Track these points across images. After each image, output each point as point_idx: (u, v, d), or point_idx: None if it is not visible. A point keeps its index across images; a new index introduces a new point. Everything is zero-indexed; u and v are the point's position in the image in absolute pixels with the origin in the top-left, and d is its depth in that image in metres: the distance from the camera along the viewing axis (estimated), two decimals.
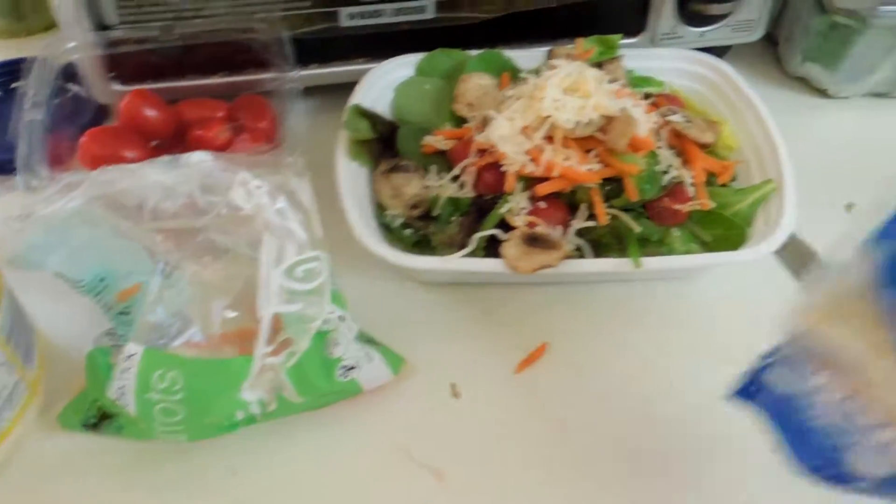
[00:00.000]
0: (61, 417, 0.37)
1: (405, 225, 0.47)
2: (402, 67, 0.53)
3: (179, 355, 0.33)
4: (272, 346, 0.34)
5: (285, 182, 0.34)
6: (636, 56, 0.53)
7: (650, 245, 0.45)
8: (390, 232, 0.47)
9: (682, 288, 0.48)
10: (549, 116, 0.41)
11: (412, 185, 0.47)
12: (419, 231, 0.46)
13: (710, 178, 0.47)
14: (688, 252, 0.45)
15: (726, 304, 0.47)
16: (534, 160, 0.42)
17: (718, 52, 0.60)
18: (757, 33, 0.57)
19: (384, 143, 0.50)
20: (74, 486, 0.38)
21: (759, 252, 0.43)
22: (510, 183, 0.43)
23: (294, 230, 0.33)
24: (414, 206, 0.47)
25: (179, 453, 0.38)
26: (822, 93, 0.60)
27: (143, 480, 0.38)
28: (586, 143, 0.43)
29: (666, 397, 0.43)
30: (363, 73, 0.52)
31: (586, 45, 0.51)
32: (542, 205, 0.43)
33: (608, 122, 0.42)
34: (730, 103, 0.52)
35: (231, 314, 0.34)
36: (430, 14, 0.52)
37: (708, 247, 0.46)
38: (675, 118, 0.46)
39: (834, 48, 0.56)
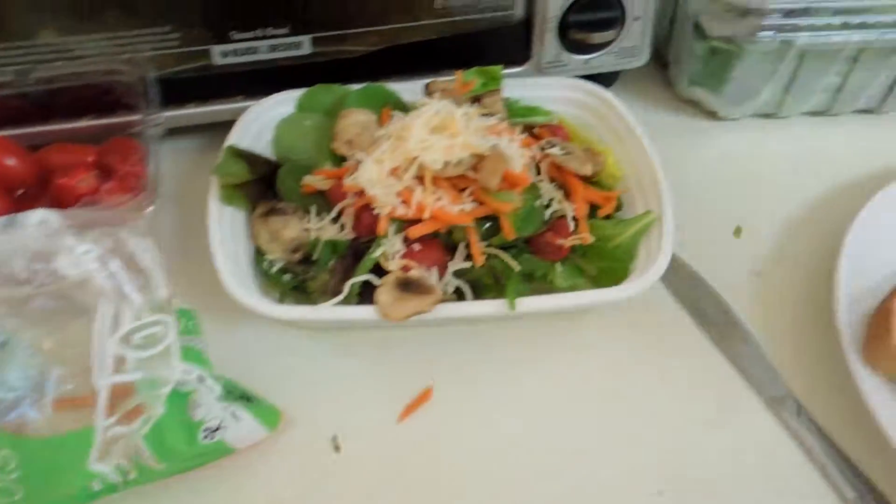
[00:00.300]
0: None
1: (284, 270, 0.45)
2: (283, 104, 0.51)
3: (9, 433, 0.31)
4: (115, 415, 0.32)
5: (122, 243, 0.32)
6: (523, 85, 0.53)
7: (535, 281, 0.45)
8: (268, 277, 0.45)
9: (566, 323, 0.48)
10: (417, 158, 0.41)
11: (290, 228, 0.46)
12: (298, 276, 0.45)
13: (593, 211, 0.47)
14: (573, 286, 0.45)
15: (614, 338, 0.47)
16: (405, 202, 0.41)
17: (609, 78, 0.61)
18: (641, 59, 0.57)
19: (264, 184, 0.48)
20: None
21: (638, 287, 0.42)
22: (382, 226, 0.42)
23: (130, 295, 0.31)
24: (294, 250, 0.46)
25: None
26: (713, 115, 0.61)
27: None
28: (460, 181, 0.42)
29: (553, 442, 0.42)
30: (242, 111, 0.50)
31: (467, 77, 0.50)
32: (417, 247, 0.42)
33: (479, 160, 0.41)
34: (614, 131, 0.52)
35: (68, 386, 0.32)
36: (306, 50, 0.50)
37: (594, 280, 0.46)
38: (553, 151, 0.46)
39: (716, 72, 0.57)
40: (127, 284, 0.31)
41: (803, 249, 0.52)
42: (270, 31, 0.49)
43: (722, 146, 0.60)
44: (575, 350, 0.46)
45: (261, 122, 0.50)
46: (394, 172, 0.42)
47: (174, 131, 0.53)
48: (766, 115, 0.61)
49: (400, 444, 0.42)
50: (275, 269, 0.45)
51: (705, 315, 0.48)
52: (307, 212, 0.46)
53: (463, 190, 0.42)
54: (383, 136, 0.44)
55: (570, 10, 0.52)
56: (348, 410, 0.43)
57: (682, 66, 0.59)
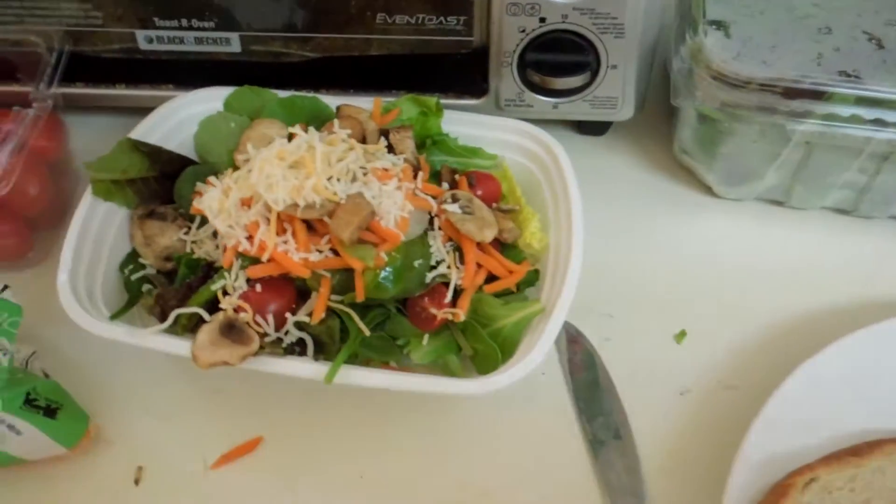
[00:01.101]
0: None
1: (143, 280, 0.43)
2: (212, 100, 0.48)
3: None
4: None
5: None
6: (468, 122, 0.47)
7: (396, 349, 0.40)
8: (128, 284, 0.43)
9: (430, 400, 0.42)
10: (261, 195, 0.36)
11: (166, 236, 0.43)
12: (154, 289, 0.42)
13: (491, 280, 0.41)
14: (439, 360, 0.40)
15: (478, 426, 0.41)
16: (250, 238, 0.37)
17: (598, 126, 0.53)
18: (624, 113, 0.49)
19: (169, 181, 0.46)
20: None
21: (487, 385, 0.36)
22: (227, 259, 0.38)
23: None
24: (167, 259, 0.43)
25: None
26: (710, 190, 0.52)
27: None
28: (321, 226, 0.38)
29: None
30: (166, 99, 0.48)
31: (395, 104, 0.45)
32: (258, 288, 0.38)
33: (336, 206, 0.37)
34: (553, 191, 0.45)
35: None
36: (236, 48, 0.47)
37: (472, 360, 0.40)
38: (451, 207, 0.40)
39: (706, 143, 0.48)
40: None
41: (749, 378, 0.43)
42: (195, 22, 0.46)
43: (710, 228, 0.51)
44: (430, 433, 0.41)
45: (182, 115, 0.48)
46: (245, 203, 0.38)
47: (106, 109, 0.51)
48: (776, 203, 0.52)
49: (205, 494, 0.38)
50: (135, 276, 0.43)
51: (595, 427, 0.41)
52: (191, 221, 0.43)
53: (323, 236, 0.38)
54: (245, 160, 0.40)
55: (528, 47, 0.45)
56: (166, 440, 0.40)
57: (676, 129, 0.51)
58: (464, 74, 0.48)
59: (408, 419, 0.41)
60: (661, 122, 0.55)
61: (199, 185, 0.43)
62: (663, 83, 0.52)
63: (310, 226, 0.38)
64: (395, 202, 0.38)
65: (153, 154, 0.46)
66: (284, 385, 0.42)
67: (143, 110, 0.50)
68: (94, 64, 0.48)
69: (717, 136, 0.46)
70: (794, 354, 0.40)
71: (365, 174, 0.39)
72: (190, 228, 0.43)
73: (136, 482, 0.39)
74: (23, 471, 0.38)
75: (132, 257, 0.44)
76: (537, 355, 0.37)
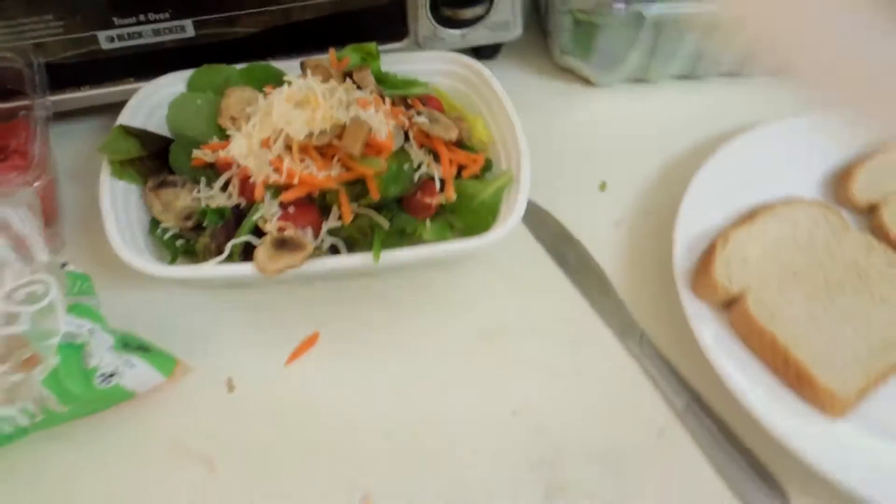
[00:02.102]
0: None
1: (177, 236, 0.49)
2: (174, 84, 0.55)
3: None
4: (9, 364, 0.36)
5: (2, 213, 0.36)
6: (402, 60, 0.58)
7: (407, 237, 0.50)
8: (163, 244, 0.49)
9: (443, 275, 0.53)
10: (282, 130, 0.45)
11: (181, 199, 0.50)
12: (190, 242, 0.49)
13: (461, 171, 0.52)
14: (442, 240, 0.50)
15: (486, 285, 0.52)
16: (277, 170, 0.46)
17: (490, 50, 0.65)
18: (515, 32, 0.62)
19: (159, 158, 0.52)
20: None
21: (495, 237, 0.47)
22: (258, 192, 0.46)
23: (7, 258, 0.35)
24: (186, 218, 0.50)
25: None
26: (587, 81, 0.67)
27: None
28: (328, 150, 0.47)
29: (426, 377, 0.47)
30: (134, 91, 0.54)
31: (343, 54, 0.55)
32: (292, 210, 0.46)
33: (342, 130, 0.46)
34: (485, 100, 0.57)
35: None
36: (190, 33, 0.54)
37: (462, 233, 0.51)
38: (419, 119, 0.50)
39: (583, 42, 0.62)
40: (4, 248, 0.35)
41: (659, 202, 0.57)
42: (152, 15, 0.52)
43: (596, 109, 0.65)
44: (450, 297, 0.52)
45: (153, 102, 0.54)
46: (265, 144, 0.46)
47: (71, 113, 0.56)
48: (637, 81, 0.67)
49: (288, 384, 0.46)
50: (167, 235, 0.49)
51: (567, 261, 0.54)
52: (197, 183, 0.50)
53: (332, 157, 0.47)
54: (252, 111, 0.48)
55: None
56: (241, 356, 0.47)
57: (554, 37, 0.64)
58: (385, 22, 0.59)
59: (424, 289, 0.52)
60: (536, 39, 0.69)
61: (196, 152, 0.51)
62: (533, 5, 0.66)
63: (320, 152, 0.47)
64: (381, 121, 0.48)
65: (141, 136, 0.52)
66: (320, 288, 0.51)
67: (106, 108, 0.56)
68: (59, 71, 0.52)
69: (591, 32, 0.60)
70: (682, 178, 0.55)
71: (349, 105, 0.48)
72: (197, 188, 0.50)
73: (231, 389, 0.46)
74: (133, 405, 0.44)
75: (154, 224, 0.50)
76: (519, 210, 0.48)
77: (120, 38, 0.53)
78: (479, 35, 0.61)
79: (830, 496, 0.42)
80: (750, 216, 0.51)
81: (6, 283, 0.35)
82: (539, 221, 0.56)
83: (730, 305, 0.48)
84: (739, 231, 0.50)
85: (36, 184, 0.43)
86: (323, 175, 0.46)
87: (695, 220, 0.52)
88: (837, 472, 0.41)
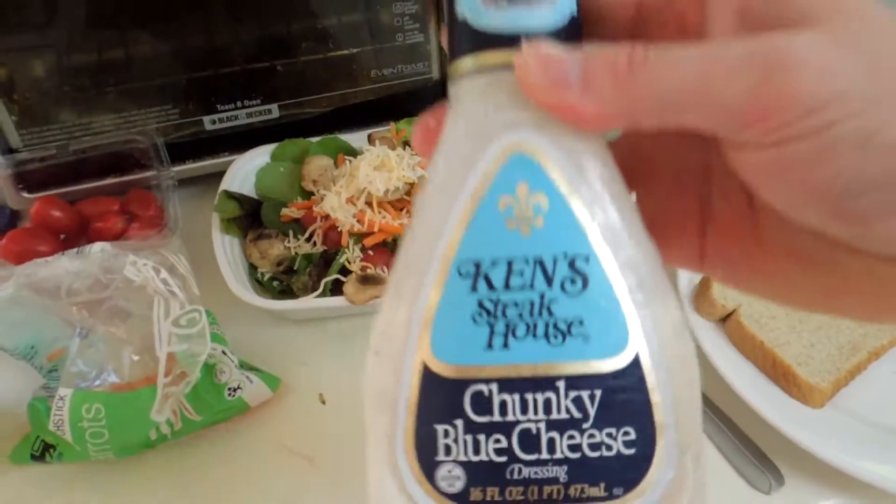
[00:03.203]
0: (13, 455, 0.48)
1: (273, 279, 0.60)
2: (260, 156, 0.67)
3: (100, 392, 0.45)
4: (170, 377, 0.46)
5: (165, 258, 0.47)
6: None
7: None
8: (262, 286, 0.60)
9: None
10: (365, 188, 0.57)
11: (275, 248, 0.61)
12: (284, 282, 0.60)
13: None
14: None
15: None
16: (359, 221, 0.57)
17: None
18: None
19: (251, 216, 0.64)
20: None
21: None
22: (345, 239, 0.58)
23: (176, 292, 0.46)
24: (279, 264, 0.61)
25: (110, 470, 0.50)
26: None
27: (83, 496, 0.50)
28: (399, 203, 0.59)
29: None
30: (229, 163, 0.66)
31: (400, 126, 0.67)
32: (371, 253, 0.58)
33: (411, 187, 0.58)
34: None
35: (136, 357, 0.46)
36: (275, 115, 0.66)
37: None
38: None
39: None
40: (172, 285, 0.46)
41: None
42: (246, 102, 0.65)
43: None
44: None
45: (244, 171, 0.66)
46: (349, 200, 0.58)
47: (178, 182, 0.68)
48: None
49: None
50: (265, 278, 0.60)
51: None
52: (286, 235, 0.62)
53: (402, 209, 0.59)
54: (340, 174, 0.60)
55: None
56: (330, 375, 0.58)
57: None
58: (429, 100, 0.71)
59: None
60: None
61: (285, 210, 0.62)
62: None
63: (392, 206, 0.59)
64: None
65: (239, 199, 0.63)
66: None
67: (204, 178, 0.68)
68: (171, 148, 0.64)
69: None
70: None
71: (413, 168, 0.60)
72: (287, 240, 0.62)
73: (323, 402, 0.56)
74: (246, 417, 0.54)
75: (252, 270, 0.61)
76: None
77: (220, 120, 0.65)
78: None
79: (816, 471, 0.52)
80: None
81: (174, 311, 0.46)
82: None
83: (725, 319, 0.59)
84: None
85: (172, 238, 0.54)
86: (397, 223, 0.57)
87: None
88: (820, 450, 0.51)
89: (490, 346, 0.21)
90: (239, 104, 0.64)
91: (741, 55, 0.19)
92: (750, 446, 0.54)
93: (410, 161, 0.60)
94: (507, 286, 0.21)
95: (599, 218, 0.21)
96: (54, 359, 0.49)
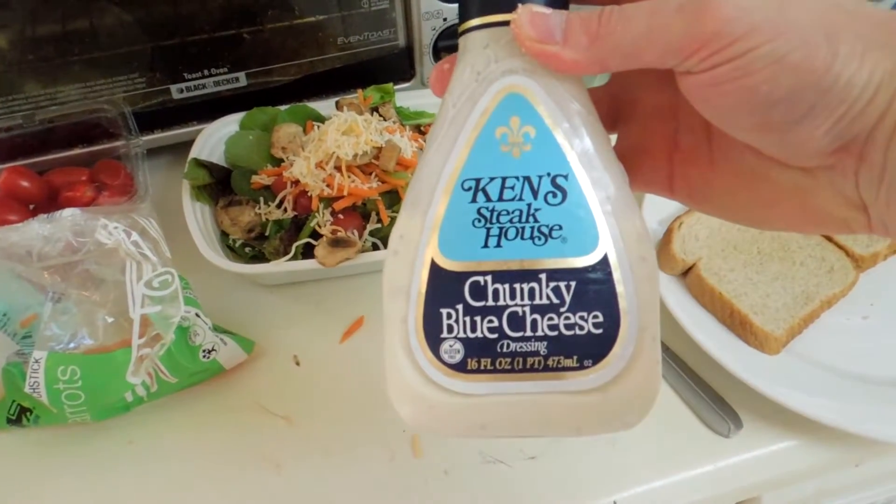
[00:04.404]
0: None
1: (244, 245, 0.61)
2: (229, 125, 0.67)
3: (75, 354, 0.46)
4: (144, 339, 0.47)
5: (136, 222, 0.47)
6: (411, 96, 0.71)
7: None
8: (234, 252, 0.61)
9: None
10: (334, 153, 0.57)
11: (246, 215, 0.62)
12: (255, 248, 0.61)
13: None
14: None
15: None
16: (329, 185, 0.58)
17: None
18: None
19: (221, 184, 0.64)
20: (6, 474, 0.50)
21: None
22: (315, 203, 0.58)
23: (148, 254, 0.47)
24: (250, 230, 0.62)
25: (87, 433, 0.51)
26: None
27: (58, 461, 0.50)
28: (368, 168, 0.59)
29: None
30: (198, 132, 0.66)
31: (367, 93, 0.68)
32: (341, 216, 0.59)
33: (379, 150, 0.59)
34: None
35: (110, 320, 0.47)
36: (243, 83, 0.67)
37: None
38: None
39: None
40: (144, 248, 0.47)
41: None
42: (214, 70, 0.65)
43: None
44: None
45: (213, 140, 0.66)
46: (319, 165, 0.59)
47: (147, 152, 0.68)
48: None
49: (343, 358, 0.58)
50: (237, 244, 0.61)
51: None
52: (257, 202, 0.62)
53: (370, 174, 0.60)
54: (308, 140, 0.61)
55: (438, 38, 0.69)
56: (303, 338, 0.59)
57: None
58: (396, 67, 0.72)
59: None
60: None
61: (255, 177, 0.63)
62: None
63: (361, 170, 0.59)
64: (406, 143, 0.61)
65: (209, 167, 0.64)
66: (361, 282, 0.63)
67: (172, 147, 0.68)
68: (138, 118, 0.64)
69: None
70: None
71: (381, 132, 0.61)
72: (258, 206, 0.62)
73: (297, 363, 0.58)
74: (222, 379, 0.55)
75: (224, 237, 0.62)
76: None
77: (188, 88, 0.65)
78: None
79: (773, 415, 0.54)
80: None
81: (147, 274, 0.46)
82: None
83: (686, 274, 0.61)
84: (691, 216, 0.63)
85: (142, 205, 0.55)
86: (366, 187, 0.58)
87: (655, 210, 0.65)
88: (776, 394, 0.53)
89: (486, 245, 0.27)
90: (206, 73, 0.65)
91: (677, 5, 0.24)
92: (710, 392, 0.56)
93: (378, 126, 0.61)
94: (500, 198, 0.27)
95: (577, 145, 0.27)
96: (27, 325, 0.49)
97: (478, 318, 0.27)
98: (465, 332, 0.27)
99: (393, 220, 0.60)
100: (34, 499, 0.49)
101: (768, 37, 0.23)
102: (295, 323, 0.60)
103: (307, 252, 0.58)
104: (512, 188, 0.27)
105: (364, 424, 0.54)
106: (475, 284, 0.27)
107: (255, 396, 0.55)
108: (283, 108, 0.67)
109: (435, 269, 0.27)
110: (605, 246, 0.27)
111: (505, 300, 0.27)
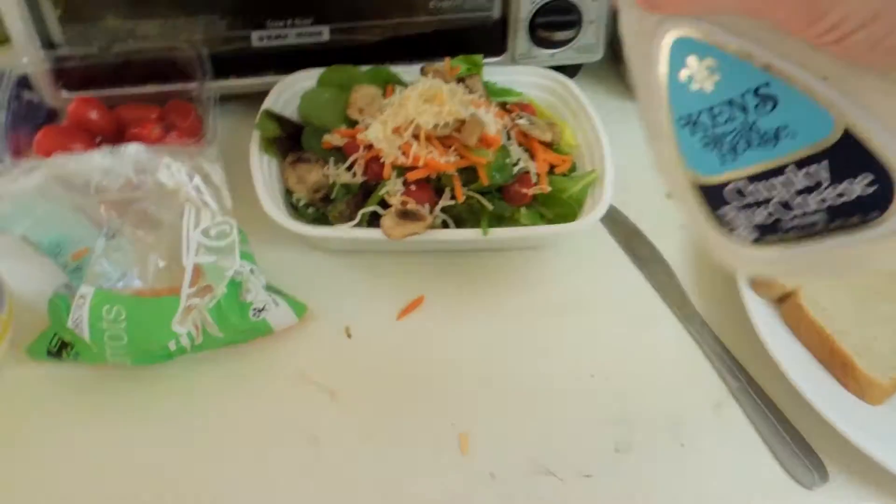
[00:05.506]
0: (30, 349, 0.47)
1: (308, 205, 0.58)
2: (307, 79, 0.64)
3: (123, 294, 0.43)
4: (194, 288, 0.44)
5: (201, 166, 0.44)
6: (500, 72, 0.66)
7: (504, 221, 0.57)
8: (296, 211, 0.58)
9: (531, 256, 0.61)
10: (413, 120, 0.53)
11: (314, 174, 0.58)
12: (319, 210, 0.57)
13: (552, 169, 0.60)
14: (533, 226, 0.58)
15: (567, 269, 0.60)
16: (405, 153, 0.54)
17: (572, 69, 0.74)
18: (597, 55, 0.70)
19: (291, 140, 0.61)
20: (40, 407, 0.48)
21: (584, 224, 0.55)
22: (387, 171, 0.55)
23: (208, 201, 0.44)
24: (316, 191, 0.58)
25: (125, 378, 0.49)
26: None
27: (91, 402, 0.48)
28: (447, 140, 0.55)
29: (519, 340, 0.55)
30: (273, 83, 0.63)
31: (454, 62, 0.63)
32: (413, 188, 0.55)
33: (462, 124, 0.54)
34: (571, 110, 0.65)
35: (161, 264, 0.44)
36: (325, 38, 0.63)
37: (550, 222, 0.59)
38: (521, 121, 0.59)
39: None
40: (205, 194, 0.44)
41: None
42: (297, 21, 0.61)
43: None
44: (536, 275, 0.59)
45: (289, 94, 0.63)
46: (396, 131, 0.55)
47: (220, 98, 0.65)
48: None
49: (397, 336, 0.54)
50: (301, 203, 0.58)
51: (638, 255, 0.61)
52: (326, 162, 0.59)
53: (449, 146, 0.55)
54: (388, 103, 0.57)
55: (537, 13, 0.65)
56: (358, 309, 0.55)
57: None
58: (488, 39, 0.67)
59: (514, 265, 0.59)
60: (612, 63, 0.77)
61: (327, 136, 0.59)
62: (615, 34, 0.74)
63: (440, 142, 0.55)
64: (491, 119, 0.56)
65: (281, 120, 0.61)
66: (425, 259, 0.59)
67: (247, 96, 0.65)
68: (216, 62, 0.62)
69: None
70: None
71: (466, 105, 0.57)
72: (327, 166, 0.59)
73: (349, 335, 0.54)
74: (270, 340, 0.52)
75: (287, 195, 0.59)
76: (605, 202, 0.56)
77: (269, 37, 0.62)
78: (566, 55, 0.69)
79: (864, 471, 0.48)
80: None
81: (205, 222, 0.43)
82: (613, 220, 0.64)
83: (783, 300, 0.55)
84: None
85: (213, 149, 0.52)
86: (443, 160, 0.54)
87: None
88: (873, 450, 0.47)
89: (724, 162, 0.30)
90: (289, 22, 0.61)
91: None
92: (796, 437, 0.50)
93: (464, 97, 0.56)
94: (715, 125, 0.30)
95: (758, 53, 0.28)
96: (79, 258, 0.47)
97: (751, 212, 0.31)
98: (746, 223, 0.31)
99: (468, 198, 0.55)
100: (64, 438, 0.47)
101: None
102: (351, 293, 0.57)
103: (373, 221, 0.55)
104: (721, 114, 0.29)
105: (411, 411, 0.50)
106: (734, 190, 0.31)
107: (301, 365, 0.52)
108: (363, 68, 0.64)
109: (696, 186, 0.32)
110: (841, 119, 0.27)
111: (768, 193, 0.30)
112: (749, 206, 0.31)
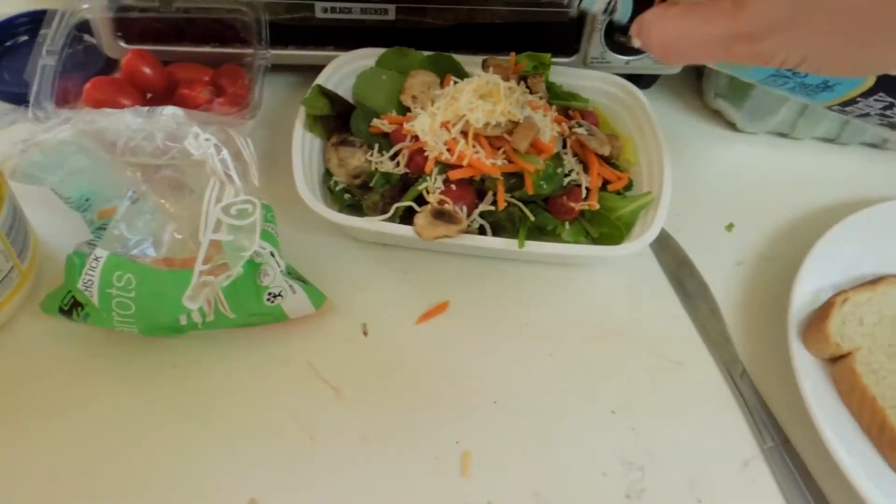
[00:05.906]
0: (43, 303, 0.47)
1: (345, 190, 0.56)
2: (365, 58, 0.62)
3: (135, 262, 0.42)
4: (208, 265, 0.43)
5: (231, 140, 0.43)
6: (568, 74, 0.62)
7: (544, 234, 0.54)
8: (332, 194, 0.56)
9: (569, 274, 0.57)
10: (464, 115, 0.50)
11: (356, 158, 0.56)
12: (355, 198, 0.55)
13: (605, 185, 0.56)
14: (576, 243, 0.54)
15: (606, 292, 0.57)
16: (450, 150, 0.51)
17: (648, 80, 0.69)
18: (676, 68, 0.65)
19: (340, 119, 0.59)
20: (47, 361, 0.48)
21: (627, 249, 0.52)
22: (429, 166, 0.52)
23: (234, 177, 0.42)
24: (356, 176, 0.56)
25: (132, 346, 0.48)
26: (733, 126, 0.69)
27: (100, 363, 0.48)
28: (496, 141, 0.52)
29: (541, 363, 0.52)
30: (331, 58, 0.61)
31: (520, 58, 0.60)
32: (454, 187, 0.52)
33: (514, 126, 0.51)
34: (638, 124, 0.61)
35: (178, 236, 0.43)
36: (391, 16, 0.61)
37: (594, 241, 0.55)
38: (579, 130, 0.55)
39: (738, 89, 0.65)
40: (232, 170, 0.42)
41: (782, 251, 0.60)
42: None
43: (736, 154, 0.68)
44: (572, 296, 0.56)
45: (344, 71, 0.61)
46: (444, 125, 0.52)
47: (276, 67, 0.64)
48: (781, 135, 0.69)
49: (415, 340, 0.52)
50: (338, 188, 0.56)
51: (684, 287, 0.57)
52: (371, 147, 0.57)
53: (498, 148, 0.52)
54: (440, 95, 0.54)
55: None
56: (378, 307, 0.53)
57: (710, 79, 0.68)
58: (559, 38, 0.63)
59: (550, 282, 0.56)
60: (691, 78, 0.72)
61: (375, 121, 0.57)
62: None
63: (489, 142, 0.52)
64: (547, 125, 0.53)
65: (332, 97, 0.59)
66: (458, 263, 0.56)
67: (303, 68, 0.63)
68: (276, 29, 0.60)
69: (748, 84, 0.63)
70: (810, 232, 0.57)
71: (523, 106, 0.53)
72: (371, 152, 0.56)
73: (365, 333, 0.52)
74: (283, 327, 0.50)
75: (327, 176, 0.57)
76: (656, 229, 0.52)
77: (333, 10, 0.60)
78: (643, 64, 0.64)
79: None
80: (873, 282, 0.53)
81: (227, 198, 0.42)
82: (664, 246, 0.60)
83: (835, 360, 0.50)
84: (861, 293, 0.52)
85: (250, 122, 0.50)
86: (489, 162, 0.51)
87: (816, 275, 0.54)
88: None
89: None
90: None
91: None
92: None
93: (521, 98, 0.53)
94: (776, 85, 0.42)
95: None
96: (105, 216, 0.46)
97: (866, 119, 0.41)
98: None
99: (510, 205, 0.52)
100: (69, 399, 0.47)
101: None
102: (373, 288, 0.55)
103: (406, 216, 0.52)
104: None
105: (416, 422, 0.48)
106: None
107: (310, 357, 0.51)
108: (426, 53, 0.61)
109: None
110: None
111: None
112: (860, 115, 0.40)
